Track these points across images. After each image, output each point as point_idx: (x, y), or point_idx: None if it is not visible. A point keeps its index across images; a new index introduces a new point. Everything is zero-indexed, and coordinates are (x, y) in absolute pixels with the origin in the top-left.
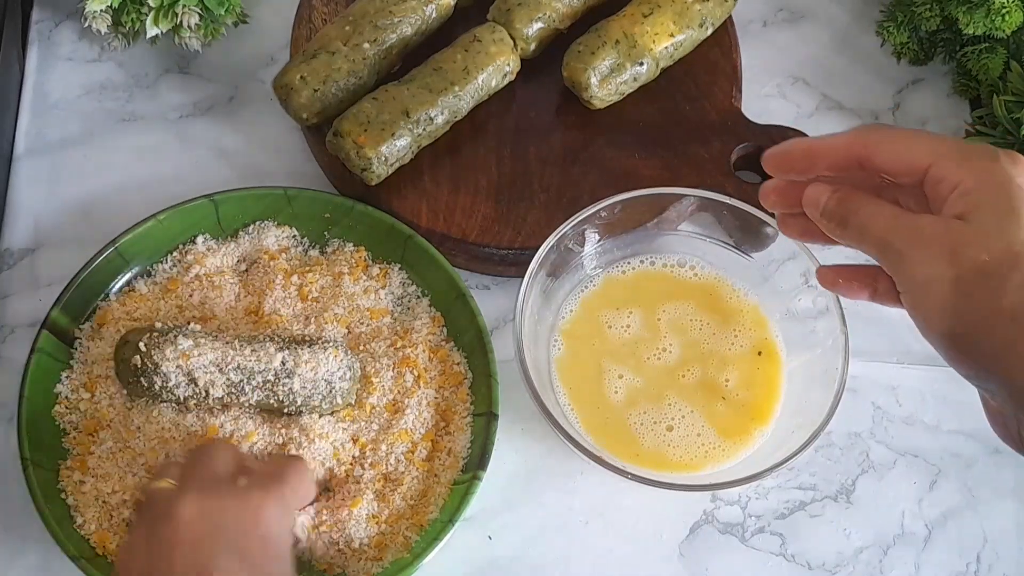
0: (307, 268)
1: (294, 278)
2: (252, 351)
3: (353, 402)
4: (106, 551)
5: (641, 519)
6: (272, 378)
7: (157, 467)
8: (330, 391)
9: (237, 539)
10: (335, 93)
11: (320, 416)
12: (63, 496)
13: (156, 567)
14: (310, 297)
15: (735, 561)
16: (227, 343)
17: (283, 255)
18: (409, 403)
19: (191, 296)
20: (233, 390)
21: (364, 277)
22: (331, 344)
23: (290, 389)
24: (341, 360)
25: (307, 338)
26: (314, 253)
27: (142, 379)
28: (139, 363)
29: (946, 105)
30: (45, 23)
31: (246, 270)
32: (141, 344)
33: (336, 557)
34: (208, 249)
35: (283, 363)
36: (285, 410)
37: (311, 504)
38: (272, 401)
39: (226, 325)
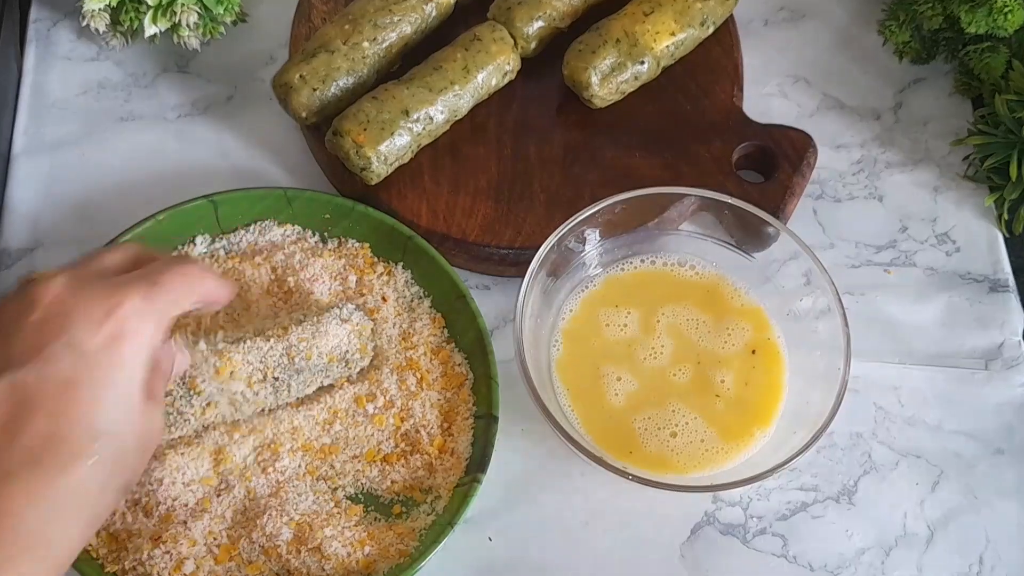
0: (322, 254)
1: (319, 260)
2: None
3: (367, 364)
4: (97, 555)
5: (642, 520)
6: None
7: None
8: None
9: (82, 331)
10: (335, 92)
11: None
12: None
13: (1, 336)
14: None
15: (736, 562)
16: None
17: (294, 246)
18: (414, 406)
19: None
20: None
21: (372, 273)
22: (333, 314)
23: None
24: (349, 325)
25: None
26: (322, 245)
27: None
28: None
29: (948, 104)
30: (43, 22)
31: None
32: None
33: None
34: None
35: (287, 353)
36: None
37: (211, 322)
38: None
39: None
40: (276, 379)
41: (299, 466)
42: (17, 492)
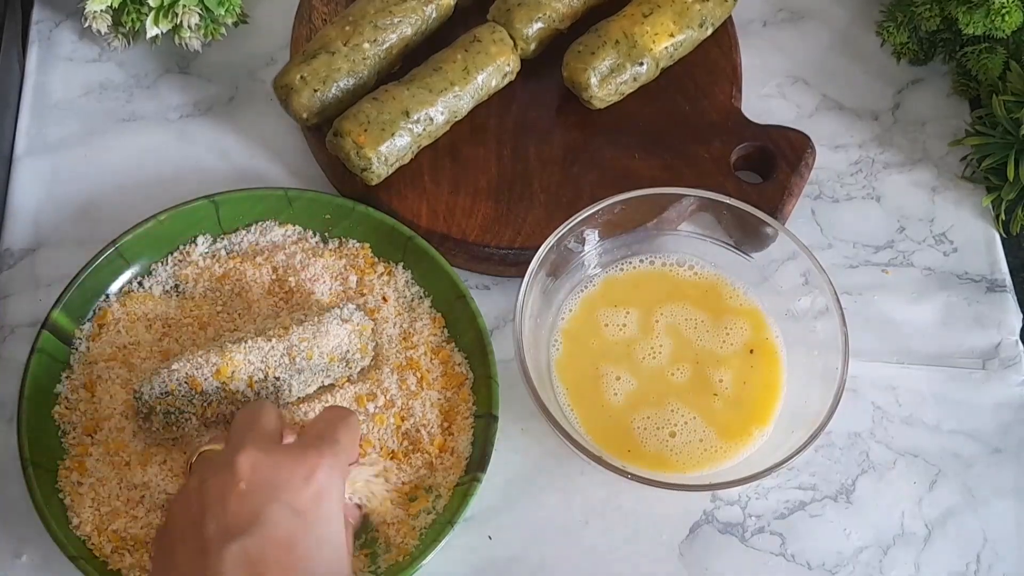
0: (323, 254)
1: (319, 260)
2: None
3: (368, 364)
4: (101, 553)
5: (641, 519)
6: (284, 374)
7: (218, 434)
8: (344, 361)
9: (290, 494)
10: (335, 93)
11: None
12: (61, 496)
13: (209, 512)
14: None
15: (735, 561)
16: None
17: (295, 247)
18: (415, 405)
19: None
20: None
21: (372, 273)
22: (334, 314)
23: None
24: (348, 325)
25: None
26: (323, 246)
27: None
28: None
29: (946, 105)
30: (45, 23)
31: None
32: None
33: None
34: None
35: (288, 354)
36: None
37: (362, 463)
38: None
39: (259, 309)
40: (277, 379)
41: None
42: None
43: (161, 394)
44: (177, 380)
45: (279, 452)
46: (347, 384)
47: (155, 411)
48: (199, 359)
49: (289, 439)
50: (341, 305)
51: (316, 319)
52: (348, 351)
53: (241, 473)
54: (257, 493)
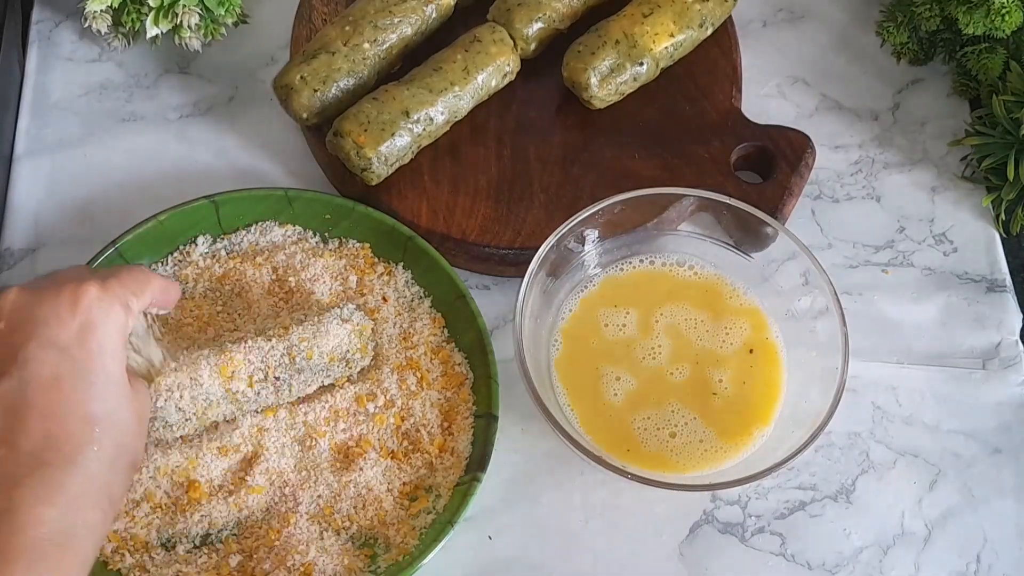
0: (323, 254)
1: (320, 260)
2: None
3: (368, 364)
4: (101, 553)
5: (641, 519)
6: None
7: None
8: (344, 360)
9: (53, 329)
10: (335, 93)
11: (339, 387)
12: None
13: None
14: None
15: (735, 561)
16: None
17: (295, 247)
18: (415, 405)
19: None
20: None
21: (372, 274)
22: (334, 314)
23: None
24: (347, 325)
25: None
26: (323, 246)
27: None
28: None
29: (946, 105)
30: (45, 23)
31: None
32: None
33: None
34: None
35: (287, 355)
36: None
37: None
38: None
39: (259, 309)
40: (277, 379)
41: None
42: (30, 496)
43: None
44: (180, 381)
45: (46, 290)
46: (347, 384)
47: (155, 415)
48: (199, 359)
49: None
50: (341, 305)
51: (316, 319)
52: (348, 351)
53: (3, 312)
54: (17, 332)
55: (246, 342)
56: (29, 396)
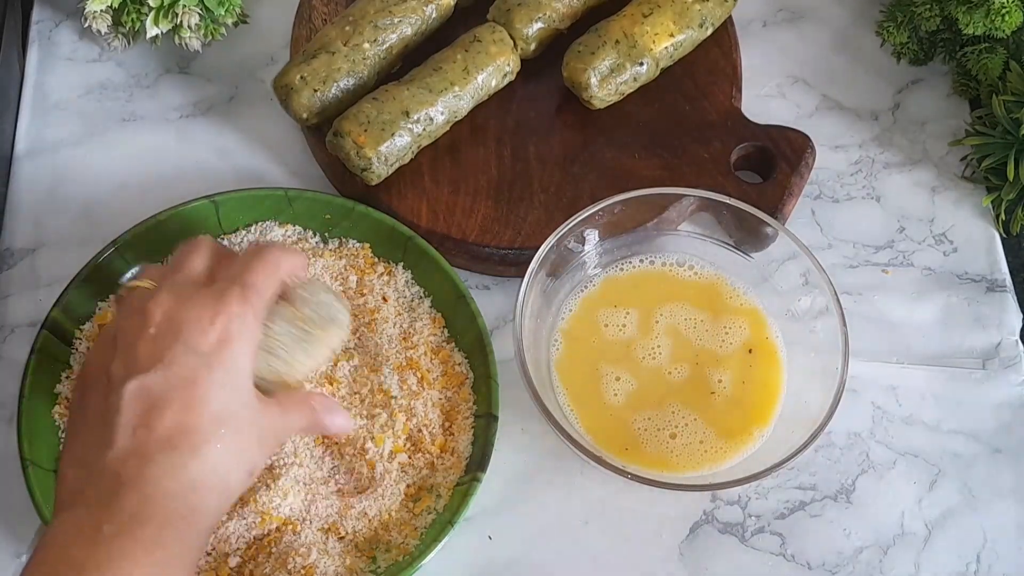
0: (323, 254)
1: (319, 260)
2: None
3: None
4: None
5: (641, 519)
6: None
7: (142, 270)
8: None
9: (195, 336)
10: (335, 93)
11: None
12: None
13: (119, 356)
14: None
15: (735, 561)
16: None
17: (295, 247)
18: (416, 405)
19: None
20: None
21: (372, 274)
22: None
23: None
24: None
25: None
26: (323, 246)
27: None
28: None
29: (946, 105)
30: (45, 23)
31: None
32: None
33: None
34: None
35: None
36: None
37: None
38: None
39: None
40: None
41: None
42: (159, 471)
43: None
44: None
45: (191, 297)
46: (347, 384)
47: None
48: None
49: (218, 284)
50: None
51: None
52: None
53: (151, 319)
54: (164, 336)
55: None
56: (169, 391)
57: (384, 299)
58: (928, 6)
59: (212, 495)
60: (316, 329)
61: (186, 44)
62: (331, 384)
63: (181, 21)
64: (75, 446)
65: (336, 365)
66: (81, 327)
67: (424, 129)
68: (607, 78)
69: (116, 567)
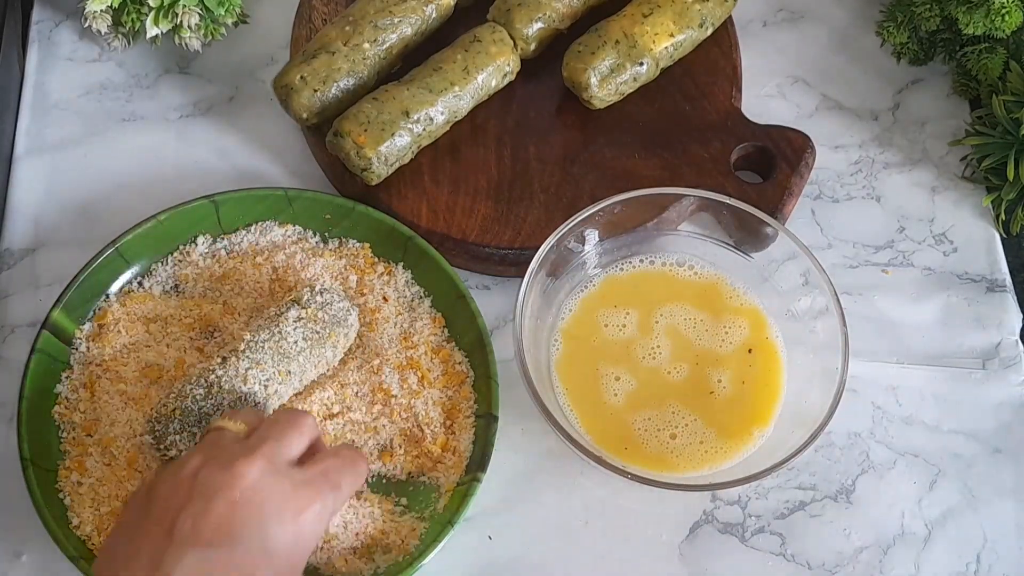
0: (323, 254)
1: (319, 260)
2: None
3: (352, 331)
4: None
5: (641, 519)
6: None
7: (242, 411)
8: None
9: (273, 527)
10: (335, 93)
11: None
12: (61, 496)
13: (192, 504)
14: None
15: (735, 561)
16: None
17: (295, 247)
18: (416, 404)
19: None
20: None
21: (372, 273)
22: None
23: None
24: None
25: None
26: (323, 246)
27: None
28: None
29: (946, 105)
30: (45, 23)
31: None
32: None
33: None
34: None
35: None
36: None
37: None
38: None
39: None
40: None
41: None
42: None
43: (178, 420)
44: (189, 399)
45: (285, 477)
46: (347, 385)
47: (168, 433)
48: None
49: (306, 473)
50: (288, 305)
51: (273, 327)
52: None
53: (241, 482)
54: (245, 508)
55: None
56: (222, 574)
57: (384, 299)
58: (928, 6)
59: None
60: (327, 331)
61: (186, 44)
62: (339, 385)
63: (181, 21)
64: (114, 568)
65: (344, 366)
66: (81, 327)
67: (424, 129)
68: (607, 78)
69: None
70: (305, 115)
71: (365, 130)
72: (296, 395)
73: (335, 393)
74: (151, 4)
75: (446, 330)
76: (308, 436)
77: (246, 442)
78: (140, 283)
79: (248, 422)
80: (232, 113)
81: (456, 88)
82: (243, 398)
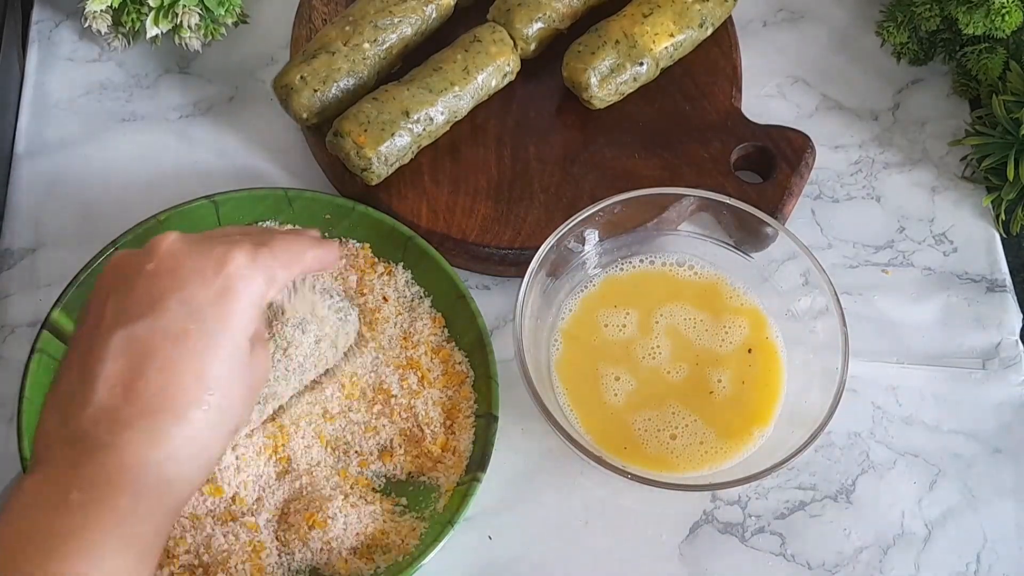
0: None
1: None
2: None
3: (354, 333)
4: None
5: (641, 519)
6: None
7: None
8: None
9: (194, 286)
10: (335, 93)
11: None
12: None
13: (115, 291)
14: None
15: (735, 561)
16: None
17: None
18: (416, 404)
19: None
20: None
21: (372, 273)
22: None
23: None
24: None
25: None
26: None
27: None
28: None
29: (946, 105)
30: (45, 23)
31: None
32: None
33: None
34: None
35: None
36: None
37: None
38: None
39: None
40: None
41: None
42: (137, 439)
43: None
44: None
45: (202, 243)
46: (347, 385)
47: None
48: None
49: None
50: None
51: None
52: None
53: (154, 254)
54: (162, 278)
55: None
56: (156, 345)
57: (384, 299)
58: (928, 6)
59: (191, 465)
60: (327, 329)
61: (186, 44)
62: (339, 385)
63: (181, 21)
64: (58, 390)
65: (343, 366)
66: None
67: (424, 129)
68: (607, 78)
69: (82, 538)
70: (305, 115)
71: (365, 130)
72: (296, 395)
73: (335, 393)
74: (151, 4)
75: (446, 330)
76: (237, 227)
77: None
78: None
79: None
80: (232, 113)
81: (456, 88)
82: None
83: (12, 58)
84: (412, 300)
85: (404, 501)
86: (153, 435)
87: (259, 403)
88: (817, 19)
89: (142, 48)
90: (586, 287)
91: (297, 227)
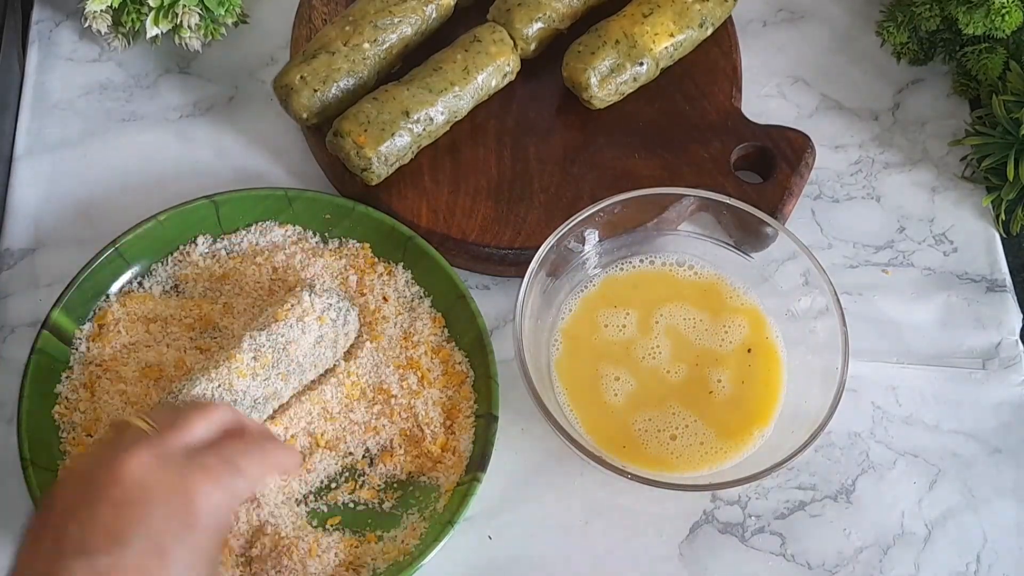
0: (323, 254)
1: (320, 260)
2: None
3: (352, 331)
4: None
5: (641, 519)
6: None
7: (156, 405)
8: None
9: (160, 523)
10: (335, 93)
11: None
12: None
13: (81, 510)
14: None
15: (735, 561)
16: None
17: (295, 247)
18: (416, 404)
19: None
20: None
21: (372, 273)
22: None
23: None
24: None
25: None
26: (323, 246)
27: None
28: None
29: (946, 105)
30: (45, 23)
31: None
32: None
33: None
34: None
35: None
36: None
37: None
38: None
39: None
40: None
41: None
42: None
43: None
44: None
45: (173, 466)
46: (347, 386)
47: None
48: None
49: (208, 458)
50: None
51: (272, 327)
52: (321, 339)
53: (124, 481)
54: (129, 509)
55: (244, 340)
56: None
57: (384, 299)
58: (928, 6)
59: None
60: (327, 331)
61: (186, 44)
62: (339, 385)
63: (181, 21)
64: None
65: (343, 366)
66: (81, 327)
67: (424, 129)
68: (607, 78)
69: None
70: (305, 115)
71: (365, 130)
72: (296, 395)
73: (335, 393)
74: (151, 4)
75: (446, 330)
76: (217, 422)
77: (138, 435)
78: (140, 283)
79: (157, 421)
80: (232, 113)
81: (456, 88)
82: (241, 398)
83: (12, 58)
84: (412, 300)
85: (404, 501)
86: None
87: (259, 403)
88: (817, 19)
89: (142, 48)
90: (586, 287)
91: (264, 425)
